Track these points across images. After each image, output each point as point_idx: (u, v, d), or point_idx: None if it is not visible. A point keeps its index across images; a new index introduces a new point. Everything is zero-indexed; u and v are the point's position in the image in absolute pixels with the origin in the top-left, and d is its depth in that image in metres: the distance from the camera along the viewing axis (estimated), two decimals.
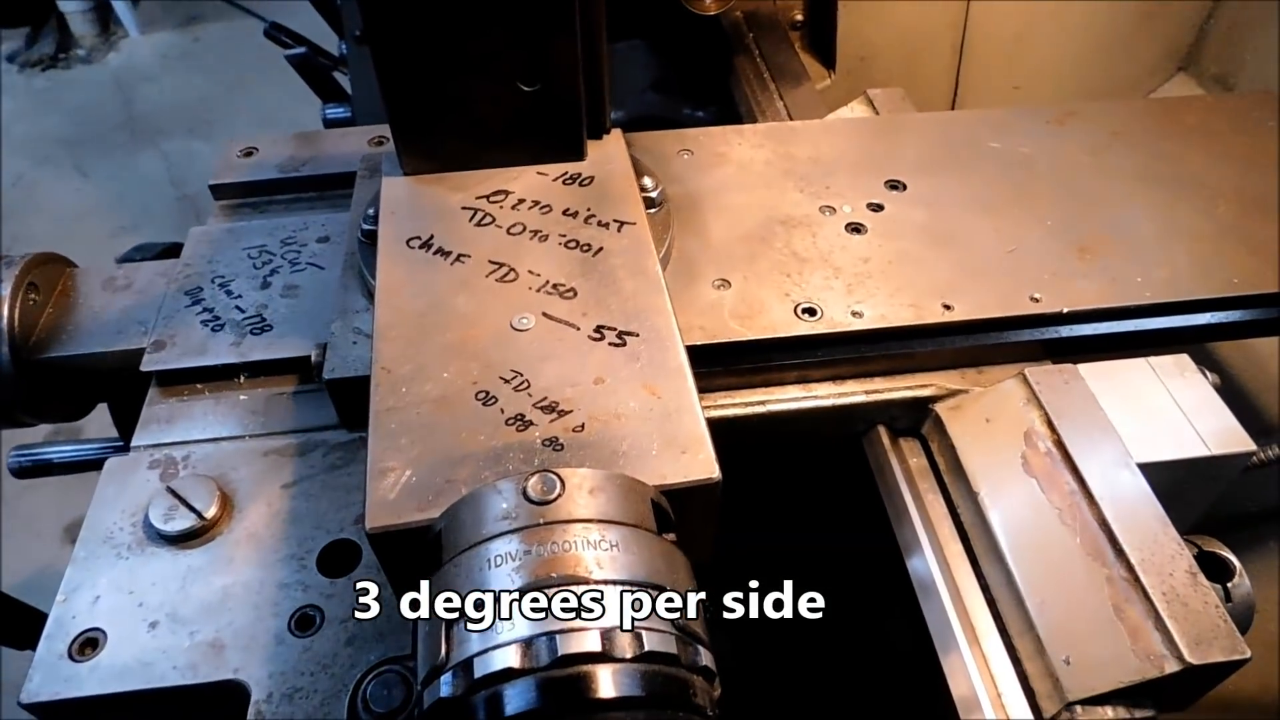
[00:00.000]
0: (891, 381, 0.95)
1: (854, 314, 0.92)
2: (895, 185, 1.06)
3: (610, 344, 0.65)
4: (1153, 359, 0.94)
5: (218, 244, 1.08)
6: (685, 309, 0.90)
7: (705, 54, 1.55)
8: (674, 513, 0.57)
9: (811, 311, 0.92)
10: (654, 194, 0.96)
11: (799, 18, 1.72)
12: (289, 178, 1.18)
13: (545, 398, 0.61)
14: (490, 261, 0.71)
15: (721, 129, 1.15)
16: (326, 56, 2.08)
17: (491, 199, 0.77)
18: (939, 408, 0.95)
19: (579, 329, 0.66)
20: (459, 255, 0.72)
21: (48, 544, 2.70)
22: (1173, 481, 0.88)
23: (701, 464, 0.59)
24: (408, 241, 0.73)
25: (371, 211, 0.93)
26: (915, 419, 0.97)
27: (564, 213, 0.76)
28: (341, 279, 0.95)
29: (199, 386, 0.95)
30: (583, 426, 0.60)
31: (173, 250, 1.29)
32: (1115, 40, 1.78)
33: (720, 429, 0.69)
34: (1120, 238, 1.00)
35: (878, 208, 1.03)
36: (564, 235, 0.73)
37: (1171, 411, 0.90)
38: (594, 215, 0.75)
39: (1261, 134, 1.15)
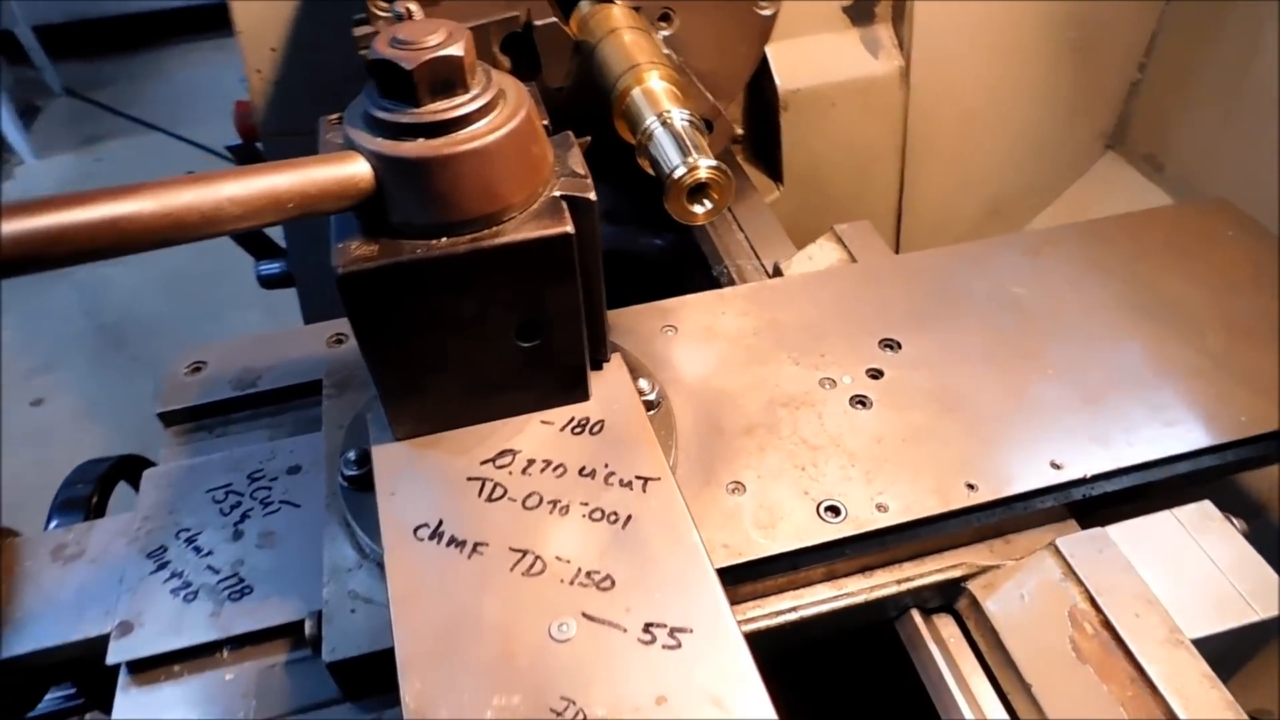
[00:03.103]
0: (920, 565, 0.91)
1: (879, 508, 0.88)
2: (890, 345, 1.03)
3: (664, 647, 0.59)
4: (1178, 511, 0.93)
5: (177, 488, 0.98)
6: (704, 522, 0.85)
7: (654, 181, 1.52)
8: None
9: (835, 510, 0.87)
10: (652, 396, 0.91)
11: (739, 132, 1.71)
12: (246, 394, 1.09)
13: None
14: (511, 549, 0.65)
15: (701, 297, 1.11)
16: None
17: (498, 463, 0.71)
18: (972, 586, 0.91)
19: (625, 630, 0.59)
20: (475, 545, 0.65)
21: None
22: (1221, 647, 0.86)
23: None
24: (415, 531, 0.66)
25: (353, 455, 0.86)
26: (947, 597, 0.93)
27: (580, 473, 0.70)
28: (326, 530, 0.87)
29: (176, 669, 0.85)
30: None
31: (124, 466, 1.19)
32: (1048, 127, 1.82)
33: (750, 643, 0.64)
34: (1122, 382, 0.99)
35: (877, 374, 1.00)
36: (586, 504, 0.67)
37: (1209, 572, 0.88)
38: (614, 473, 0.69)
39: (1226, 248, 1.16)
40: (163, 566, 0.91)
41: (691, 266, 1.49)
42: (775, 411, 0.96)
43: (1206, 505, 0.93)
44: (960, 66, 1.66)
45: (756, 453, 0.92)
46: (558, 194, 0.65)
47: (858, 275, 1.14)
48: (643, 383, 0.91)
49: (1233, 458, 0.95)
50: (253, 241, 1.86)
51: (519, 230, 0.63)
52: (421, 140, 0.59)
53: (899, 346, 1.03)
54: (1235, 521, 0.92)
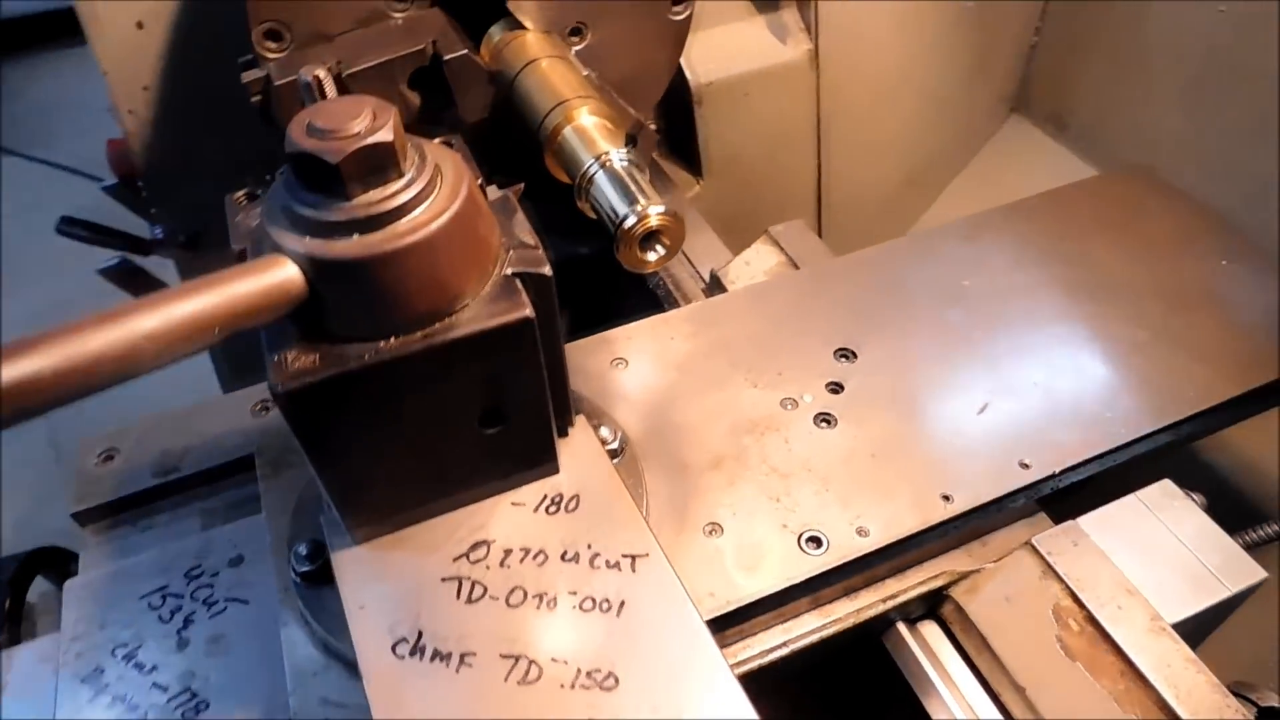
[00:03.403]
0: (903, 580, 0.91)
1: (859, 532, 0.86)
2: (846, 355, 1.02)
3: None
4: (1142, 494, 0.94)
5: (106, 598, 0.90)
6: (685, 570, 0.81)
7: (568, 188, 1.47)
8: None
9: (817, 541, 0.85)
10: (615, 444, 0.87)
11: (657, 136, 1.66)
12: (169, 481, 1.00)
13: None
14: (502, 656, 0.60)
15: (646, 323, 1.07)
16: (137, 243, 1.85)
17: (473, 558, 0.66)
18: (955, 593, 0.91)
19: None
20: (462, 656, 0.60)
21: None
22: (1195, 624, 0.88)
23: None
24: (394, 648, 0.61)
25: (304, 549, 0.80)
26: (930, 605, 0.93)
27: (563, 558, 0.65)
28: (283, 631, 0.80)
29: None
30: None
31: (38, 561, 1.09)
32: (954, 94, 1.83)
33: (745, 680, 0.62)
34: (1073, 369, 1.00)
35: (837, 388, 0.98)
36: (574, 593, 0.63)
37: (1178, 552, 0.90)
38: (598, 554, 0.65)
39: (1151, 217, 1.18)
40: (102, 691, 0.83)
41: (620, 274, 1.44)
42: (740, 440, 0.94)
43: (1167, 485, 0.95)
44: (867, 43, 1.65)
45: (727, 488, 0.89)
46: (510, 272, 0.60)
47: (802, 283, 1.11)
48: (604, 430, 0.87)
49: (1187, 431, 0.97)
50: (143, 288, 1.72)
51: (474, 320, 0.57)
52: (356, 237, 0.53)
53: (854, 356, 1.01)
54: (1195, 497, 0.95)
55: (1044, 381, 0.98)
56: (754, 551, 0.85)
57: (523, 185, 0.89)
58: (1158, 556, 0.89)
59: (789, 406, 0.97)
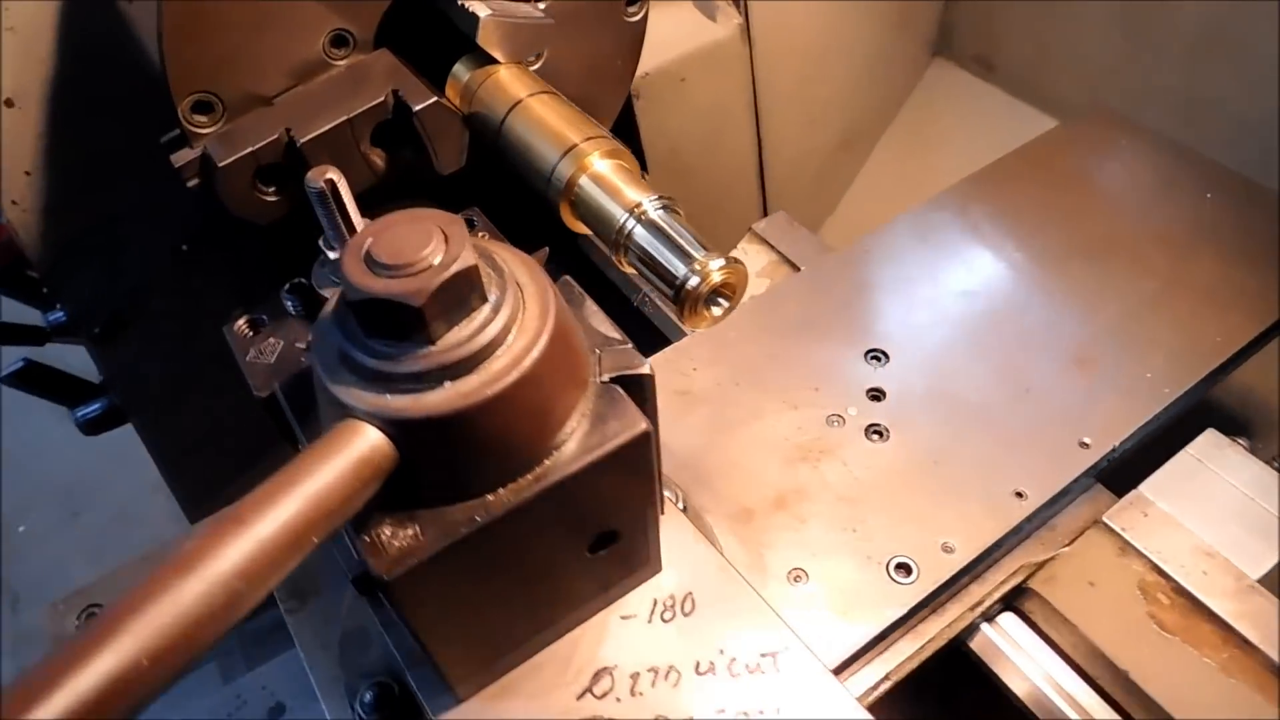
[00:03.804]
0: (984, 584, 0.88)
1: (945, 549, 0.82)
2: (876, 356, 0.97)
3: None
4: (1191, 448, 0.93)
5: None
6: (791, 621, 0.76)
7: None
8: None
9: (906, 569, 0.81)
10: (680, 503, 0.81)
11: None
12: None
13: None
14: None
15: (660, 356, 1.00)
16: (33, 334, 1.65)
17: (597, 691, 0.59)
18: (1036, 586, 0.89)
19: None
20: None
21: None
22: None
23: None
24: None
25: (370, 696, 0.70)
26: (1008, 600, 0.91)
27: (697, 671, 0.59)
28: None
29: None
30: None
31: None
32: (878, 45, 1.80)
33: None
34: (1098, 334, 0.98)
35: (879, 395, 0.94)
36: (722, 711, 0.57)
37: (1241, 501, 0.90)
38: (734, 658, 0.59)
39: (1124, 160, 1.18)
40: None
41: (590, 288, 1.36)
42: (797, 471, 0.88)
43: (1213, 434, 0.94)
44: (795, 8, 1.59)
45: (799, 526, 0.84)
46: (607, 378, 0.52)
47: (808, 286, 1.06)
48: (667, 492, 0.80)
49: (1220, 376, 0.97)
50: (57, 389, 1.54)
51: (586, 448, 0.49)
52: (448, 385, 0.44)
53: (886, 357, 0.97)
54: (1241, 441, 0.95)
55: (1076, 352, 0.97)
56: (846, 592, 0.80)
57: (547, 250, 0.80)
58: (1224, 511, 0.89)
59: (836, 424, 0.92)
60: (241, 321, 0.59)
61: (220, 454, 1.43)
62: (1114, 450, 0.90)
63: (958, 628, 0.86)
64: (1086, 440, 0.89)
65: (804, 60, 1.68)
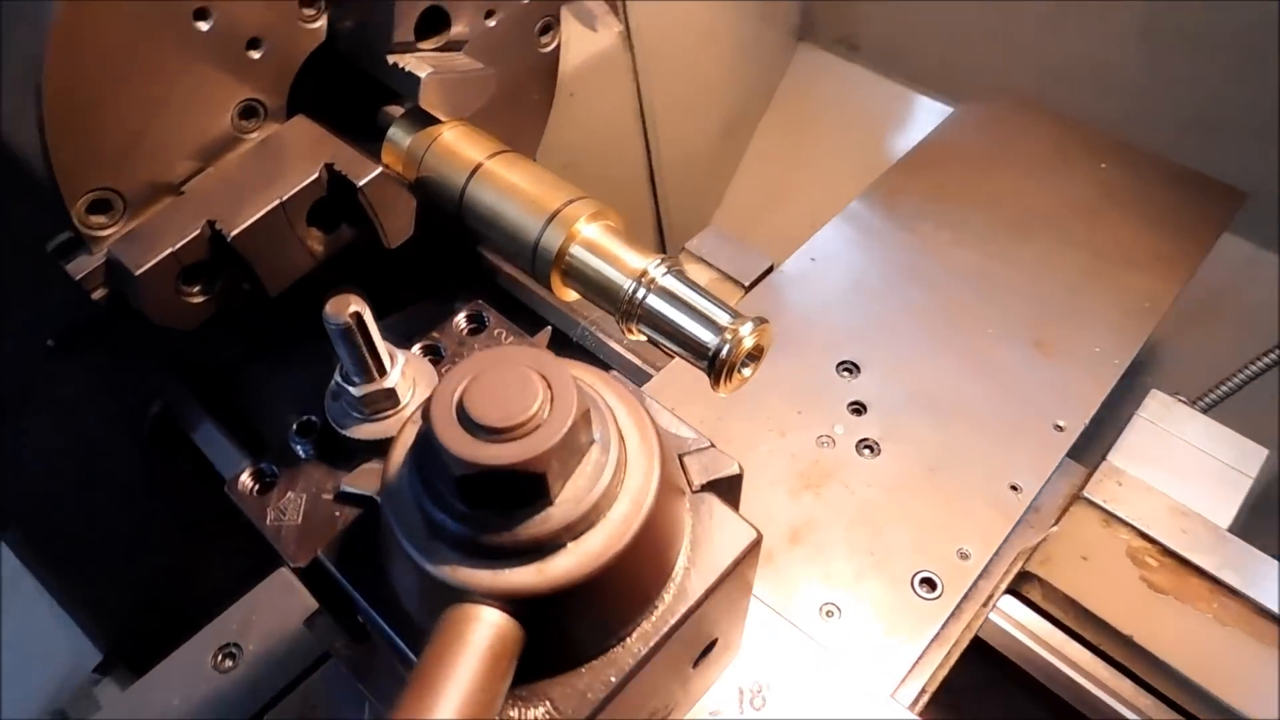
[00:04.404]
0: (989, 579, 0.89)
1: (961, 555, 0.83)
2: (848, 369, 0.97)
3: None
4: (1142, 412, 0.99)
5: None
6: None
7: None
8: None
9: (930, 584, 0.82)
10: None
11: None
12: None
13: None
14: None
15: None
16: None
17: None
18: (1032, 568, 0.92)
19: None
20: None
21: None
22: (1241, 517, 0.95)
23: None
24: None
25: None
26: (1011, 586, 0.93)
27: None
28: None
29: None
30: None
31: None
32: (747, 36, 1.80)
33: None
34: (1047, 312, 1.02)
35: (860, 409, 0.94)
36: None
37: (1197, 458, 0.96)
38: None
39: (1027, 139, 1.23)
40: None
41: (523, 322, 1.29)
42: (802, 501, 0.87)
43: (1157, 395, 1.00)
44: (670, 8, 1.56)
45: (818, 558, 0.83)
46: (698, 486, 0.48)
47: (763, 308, 1.04)
48: None
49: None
50: None
51: (703, 572, 0.45)
52: (572, 547, 0.39)
53: (857, 369, 0.97)
54: (1182, 399, 1.01)
55: (1032, 335, 1.00)
56: (880, 619, 0.79)
57: (550, 330, 0.73)
58: (1185, 468, 0.95)
59: (827, 445, 0.91)
60: (245, 476, 0.51)
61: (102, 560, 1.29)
62: (1086, 427, 0.93)
63: (975, 627, 0.87)
64: (1060, 423, 0.92)
65: (681, 59, 1.65)
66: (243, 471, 0.51)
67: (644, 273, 0.63)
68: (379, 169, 0.72)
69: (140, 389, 1.22)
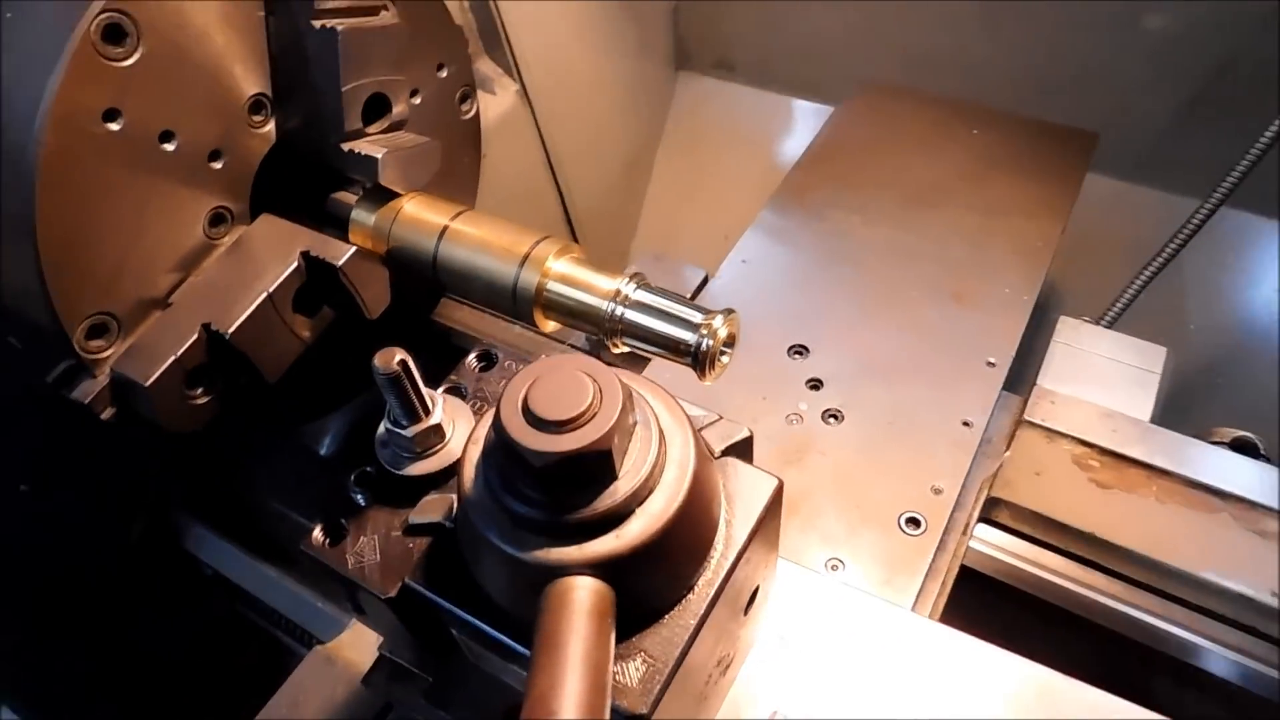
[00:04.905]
0: (962, 510, 0.99)
1: (935, 491, 0.93)
2: (799, 351, 1.06)
3: None
4: (1057, 337, 1.11)
5: None
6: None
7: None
8: None
9: (915, 522, 0.91)
10: None
11: None
12: None
13: None
14: None
15: None
16: None
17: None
18: (996, 492, 1.02)
19: None
20: None
21: None
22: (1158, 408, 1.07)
23: None
24: None
25: None
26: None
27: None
28: None
29: None
30: None
31: None
32: (632, 74, 1.92)
33: None
34: (957, 268, 1.14)
35: (817, 385, 1.03)
36: None
37: (1111, 367, 1.08)
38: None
39: (906, 120, 1.36)
40: None
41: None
42: (789, 475, 0.92)
43: (1066, 320, 1.13)
44: (556, 62, 1.66)
45: (814, 523, 0.91)
46: (719, 452, 0.56)
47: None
48: None
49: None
50: None
51: (744, 520, 0.53)
52: (640, 511, 0.46)
53: (807, 350, 1.06)
54: (1086, 319, 1.14)
55: (949, 291, 1.11)
56: (879, 562, 0.88)
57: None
58: (1103, 377, 1.07)
59: (795, 421, 1.00)
60: (316, 532, 0.56)
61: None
62: (1013, 360, 1.05)
63: (960, 555, 0.96)
64: (991, 360, 1.04)
65: (576, 105, 1.76)
66: (314, 529, 0.56)
67: (617, 292, 0.71)
68: (353, 248, 0.78)
69: (122, 508, 1.22)
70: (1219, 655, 0.96)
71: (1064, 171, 1.24)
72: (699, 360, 0.68)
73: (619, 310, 0.71)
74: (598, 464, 0.44)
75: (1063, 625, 1.01)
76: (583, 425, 0.44)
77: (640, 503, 0.46)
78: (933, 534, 0.90)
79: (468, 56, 1.01)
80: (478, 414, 0.59)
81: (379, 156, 0.78)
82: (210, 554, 1.16)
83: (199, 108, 0.76)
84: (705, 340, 0.68)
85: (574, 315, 0.73)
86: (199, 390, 0.78)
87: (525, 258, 0.75)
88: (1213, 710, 1.01)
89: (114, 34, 0.68)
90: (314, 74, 0.77)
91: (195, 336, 0.75)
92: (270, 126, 0.82)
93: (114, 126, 0.70)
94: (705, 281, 1.20)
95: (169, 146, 0.74)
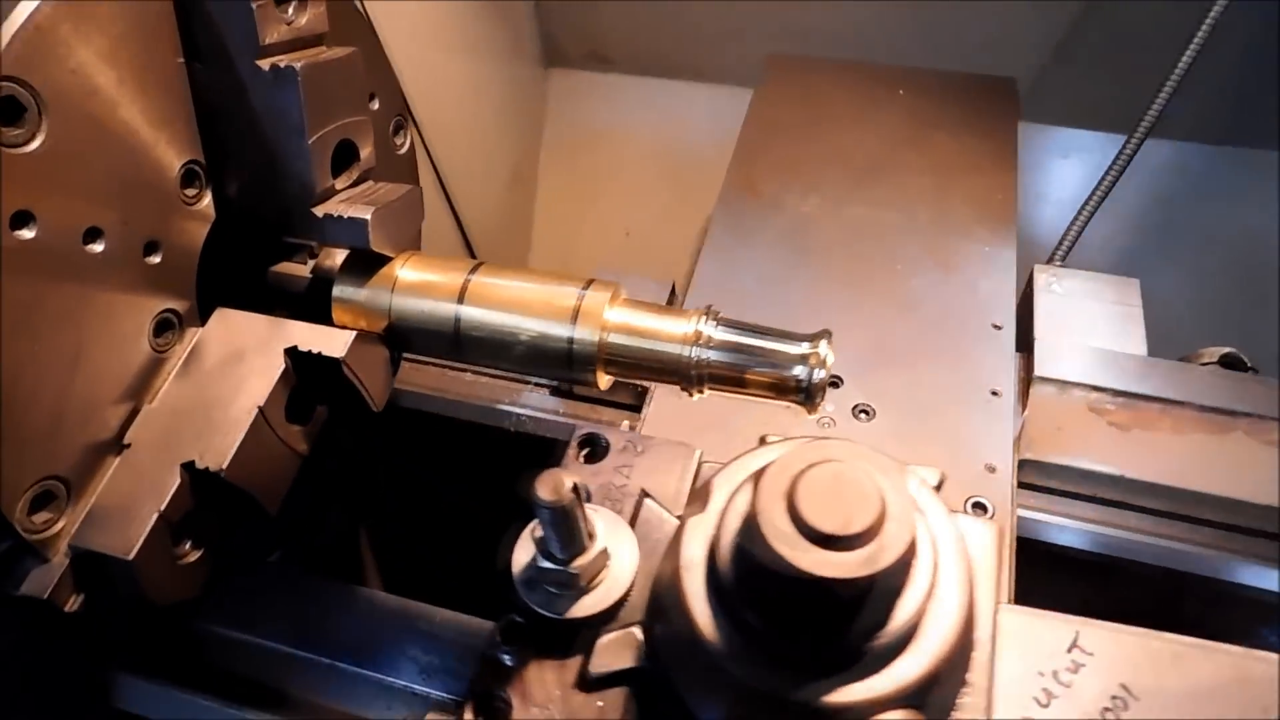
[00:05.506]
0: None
1: (989, 469, 0.89)
2: None
3: None
4: (1036, 287, 1.10)
5: None
6: None
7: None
8: None
9: (982, 507, 0.87)
10: None
11: None
12: None
13: None
14: None
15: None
16: None
17: None
18: (1024, 455, 1.00)
19: None
20: None
21: None
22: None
23: None
24: None
25: None
26: None
27: None
28: None
29: None
30: None
31: None
32: (499, 77, 1.78)
33: None
34: (933, 237, 1.11)
35: (836, 382, 0.97)
36: None
37: (1099, 309, 1.09)
38: None
39: (829, 94, 1.32)
40: None
41: None
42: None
43: (1040, 268, 1.12)
44: (429, 74, 1.51)
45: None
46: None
47: None
48: None
49: None
50: None
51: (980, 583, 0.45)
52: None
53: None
54: (1061, 265, 1.14)
55: (932, 261, 1.08)
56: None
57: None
58: (1094, 324, 1.07)
59: (829, 425, 0.93)
60: (468, 716, 0.43)
61: None
62: (1019, 319, 1.03)
63: (1014, 529, 0.94)
64: (996, 322, 1.01)
65: (455, 117, 1.61)
66: (463, 714, 0.44)
67: (698, 334, 0.62)
68: (351, 334, 0.64)
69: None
70: (1250, 569, 0.98)
71: (998, 120, 1.24)
72: (810, 395, 0.60)
73: (703, 355, 0.61)
74: (900, 576, 0.36)
75: (1086, 576, 1.02)
76: (876, 534, 0.35)
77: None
78: (1002, 516, 0.86)
79: (397, 82, 0.87)
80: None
81: (367, 217, 0.64)
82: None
83: (125, 190, 0.59)
84: (816, 372, 0.59)
85: (645, 369, 0.63)
86: (186, 544, 0.62)
87: (576, 310, 0.63)
88: (1241, 624, 1.04)
89: (10, 111, 0.51)
90: (264, 127, 0.62)
91: (177, 483, 0.59)
92: (207, 200, 0.66)
93: (27, 234, 0.53)
94: (673, 293, 1.12)
95: (96, 247, 0.57)
